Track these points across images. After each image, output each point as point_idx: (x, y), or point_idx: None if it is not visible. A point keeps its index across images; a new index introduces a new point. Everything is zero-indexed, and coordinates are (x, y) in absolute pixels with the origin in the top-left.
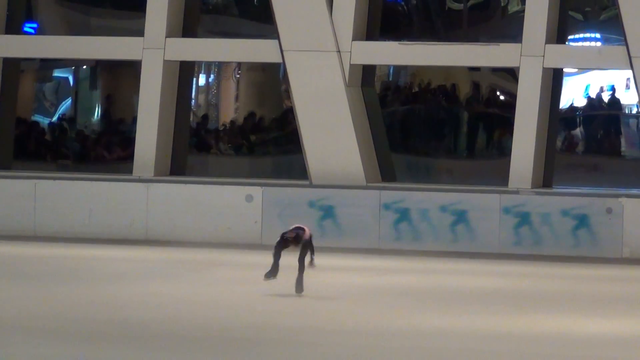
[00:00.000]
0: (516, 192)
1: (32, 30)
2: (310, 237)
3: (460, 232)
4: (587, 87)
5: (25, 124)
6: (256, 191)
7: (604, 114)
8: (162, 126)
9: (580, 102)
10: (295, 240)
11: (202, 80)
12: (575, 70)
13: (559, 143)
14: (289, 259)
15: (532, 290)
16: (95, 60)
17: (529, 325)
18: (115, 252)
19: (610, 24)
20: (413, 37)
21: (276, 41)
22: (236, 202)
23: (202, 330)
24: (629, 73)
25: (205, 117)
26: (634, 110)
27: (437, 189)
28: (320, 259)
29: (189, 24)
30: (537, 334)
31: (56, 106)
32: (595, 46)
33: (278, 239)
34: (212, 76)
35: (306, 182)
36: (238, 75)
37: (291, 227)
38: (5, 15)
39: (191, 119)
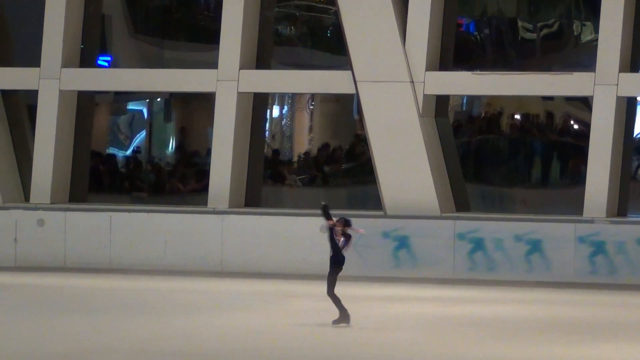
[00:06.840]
0: (591, 221)
1: (106, 64)
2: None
3: (535, 262)
4: None
5: (100, 157)
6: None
7: None
8: (236, 158)
9: None
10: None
11: (275, 111)
12: None
13: (633, 171)
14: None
15: (609, 319)
16: (169, 92)
17: (606, 355)
18: (190, 283)
19: None
20: (486, 67)
21: (349, 72)
22: (311, 233)
23: None
24: None
25: (279, 149)
26: None
27: (512, 219)
28: (395, 289)
29: (262, 56)
30: None
31: (130, 139)
32: None
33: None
34: (285, 107)
35: (380, 213)
36: (312, 107)
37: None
38: (80, 49)
39: (265, 150)
